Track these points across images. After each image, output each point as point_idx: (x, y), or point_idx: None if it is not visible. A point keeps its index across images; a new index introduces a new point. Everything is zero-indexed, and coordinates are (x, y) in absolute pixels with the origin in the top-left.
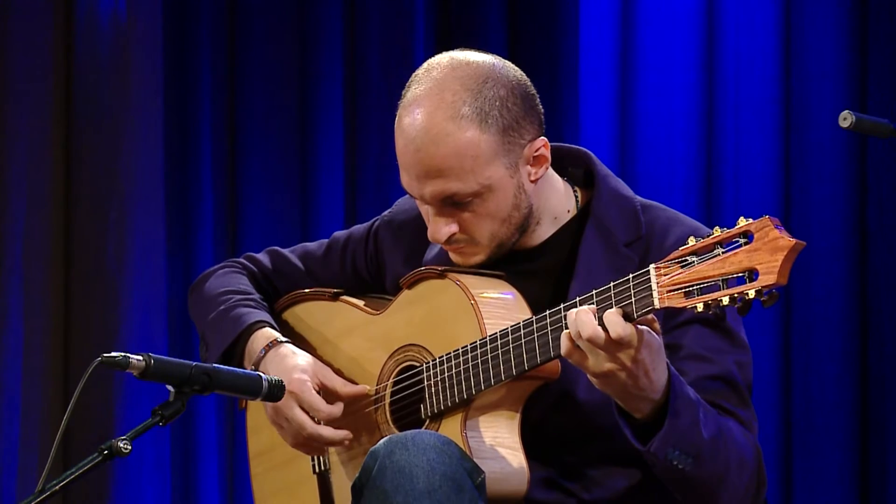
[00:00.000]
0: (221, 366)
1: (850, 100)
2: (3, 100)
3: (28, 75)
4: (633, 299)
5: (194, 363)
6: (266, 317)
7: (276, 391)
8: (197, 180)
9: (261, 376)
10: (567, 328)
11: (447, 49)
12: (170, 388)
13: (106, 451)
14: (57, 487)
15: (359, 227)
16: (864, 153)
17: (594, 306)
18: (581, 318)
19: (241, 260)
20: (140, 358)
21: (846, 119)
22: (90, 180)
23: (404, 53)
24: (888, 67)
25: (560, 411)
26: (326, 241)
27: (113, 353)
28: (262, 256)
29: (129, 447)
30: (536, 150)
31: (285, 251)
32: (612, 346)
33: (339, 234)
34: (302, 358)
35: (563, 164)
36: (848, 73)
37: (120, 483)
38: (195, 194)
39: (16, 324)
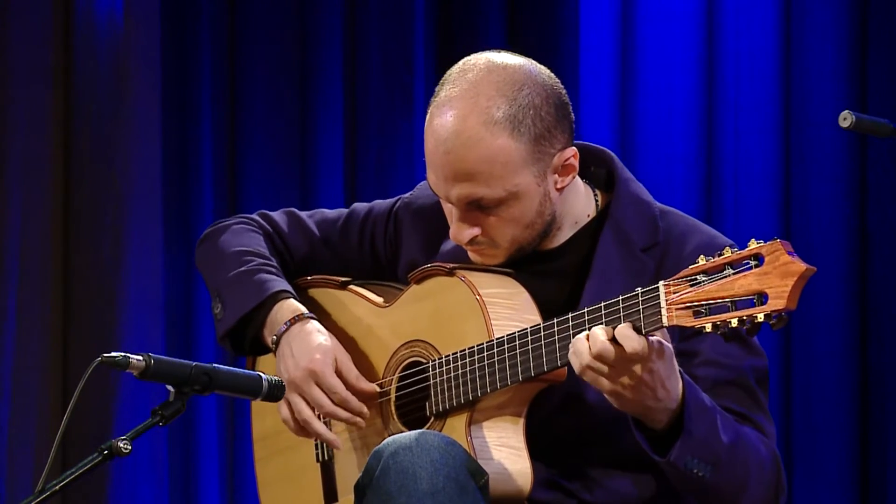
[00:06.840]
0: (221, 366)
1: (850, 100)
2: (2, 100)
3: (26, 75)
4: (641, 315)
5: (194, 363)
6: (290, 288)
7: (276, 391)
8: (197, 180)
9: (261, 376)
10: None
11: (447, 49)
12: (170, 388)
13: (106, 451)
14: (57, 487)
15: (380, 204)
16: (864, 153)
17: (609, 327)
18: (594, 334)
19: (256, 217)
20: (140, 358)
21: (846, 119)
22: (88, 180)
23: (404, 53)
24: (888, 67)
25: (565, 412)
26: (346, 210)
27: (113, 353)
28: (278, 216)
29: (130, 447)
30: (566, 160)
31: (302, 214)
32: (627, 361)
33: (360, 206)
34: (327, 338)
35: (587, 163)
36: (848, 73)
37: (116, 483)
38: (195, 194)
39: (13, 324)
